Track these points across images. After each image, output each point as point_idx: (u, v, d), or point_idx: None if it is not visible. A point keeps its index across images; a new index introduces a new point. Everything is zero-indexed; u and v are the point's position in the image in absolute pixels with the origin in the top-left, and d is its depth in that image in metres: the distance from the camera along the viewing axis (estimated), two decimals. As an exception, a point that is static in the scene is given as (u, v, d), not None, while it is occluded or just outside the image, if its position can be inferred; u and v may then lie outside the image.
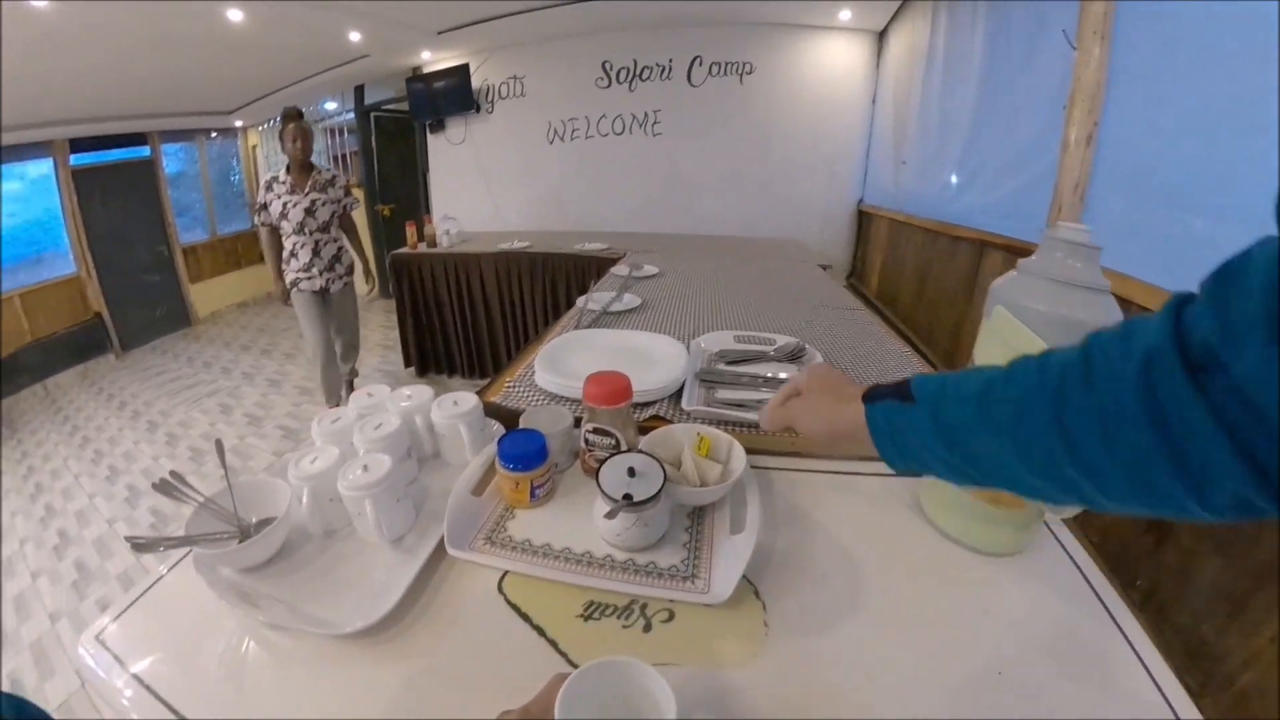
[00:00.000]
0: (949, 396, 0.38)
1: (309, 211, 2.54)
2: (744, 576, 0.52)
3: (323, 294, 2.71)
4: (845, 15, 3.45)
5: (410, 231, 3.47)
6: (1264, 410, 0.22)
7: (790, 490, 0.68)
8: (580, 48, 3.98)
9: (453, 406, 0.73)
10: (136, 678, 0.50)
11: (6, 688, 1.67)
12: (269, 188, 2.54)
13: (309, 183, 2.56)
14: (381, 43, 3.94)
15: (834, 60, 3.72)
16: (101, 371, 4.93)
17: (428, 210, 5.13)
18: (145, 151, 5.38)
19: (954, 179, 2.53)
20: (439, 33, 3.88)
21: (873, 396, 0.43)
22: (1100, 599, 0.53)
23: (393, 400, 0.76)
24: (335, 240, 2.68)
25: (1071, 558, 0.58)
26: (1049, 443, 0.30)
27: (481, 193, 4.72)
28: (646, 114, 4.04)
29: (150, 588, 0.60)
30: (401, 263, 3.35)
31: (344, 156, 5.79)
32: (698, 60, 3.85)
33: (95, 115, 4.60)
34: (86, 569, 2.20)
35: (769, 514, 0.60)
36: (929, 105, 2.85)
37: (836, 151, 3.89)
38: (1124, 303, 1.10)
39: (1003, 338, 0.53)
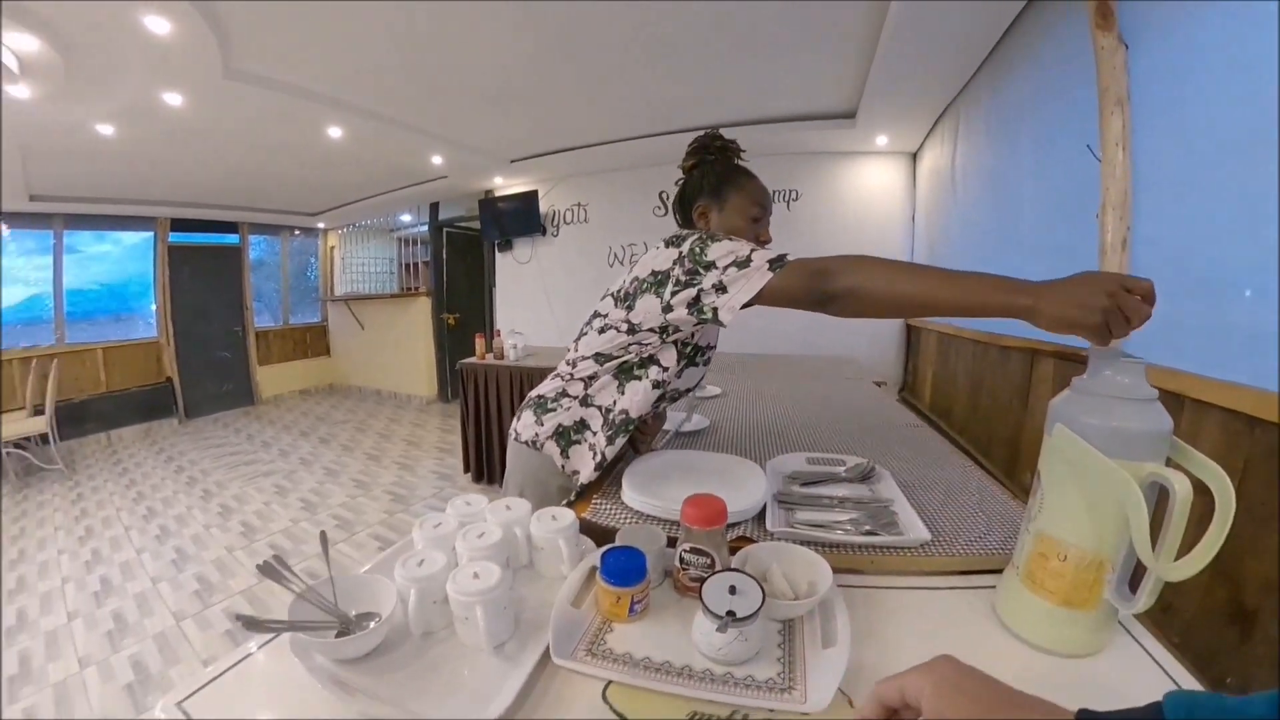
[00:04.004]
0: None
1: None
2: (839, 688, 0.53)
3: None
4: (882, 140, 3.71)
5: (479, 343, 3.73)
6: None
7: (872, 605, 0.69)
8: (639, 179, 4.44)
9: (551, 521, 0.76)
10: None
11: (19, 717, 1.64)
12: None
13: None
14: (460, 166, 4.48)
15: (873, 182, 3.96)
16: (164, 433, 5.23)
17: (491, 322, 5.50)
18: (235, 239, 6.08)
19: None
20: (512, 161, 4.42)
21: None
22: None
23: (492, 511, 0.78)
24: None
25: (1151, 655, 0.58)
26: None
27: (544, 310, 5.07)
28: (701, 240, 4.35)
29: (237, 663, 0.60)
30: (469, 371, 3.57)
31: (415, 265, 6.31)
32: (747, 188, 4.16)
33: (198, 201, 5.30)
34: (124, 621, 2.19)
35: (855, 628, 0.62)
36: (960, 219, 2.91)
37: (880, 269, 4.02)
38: (1174, 396, 1.12)
39: (1065, 454, 0.56)
